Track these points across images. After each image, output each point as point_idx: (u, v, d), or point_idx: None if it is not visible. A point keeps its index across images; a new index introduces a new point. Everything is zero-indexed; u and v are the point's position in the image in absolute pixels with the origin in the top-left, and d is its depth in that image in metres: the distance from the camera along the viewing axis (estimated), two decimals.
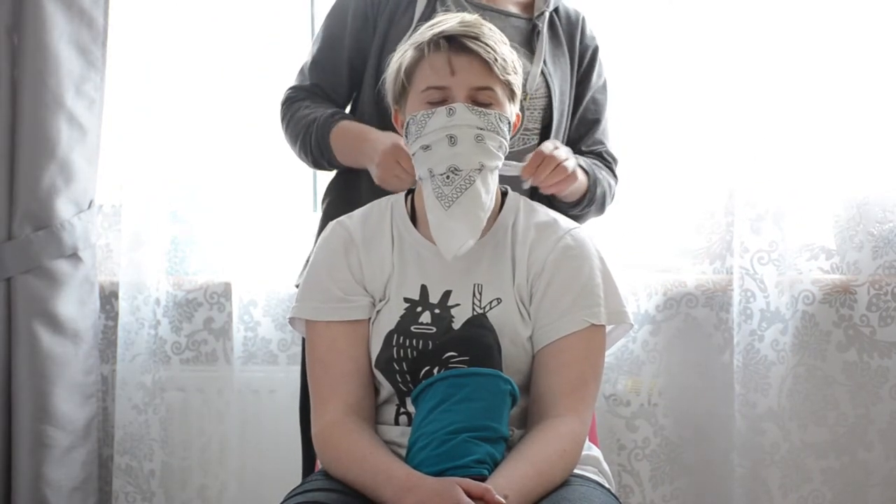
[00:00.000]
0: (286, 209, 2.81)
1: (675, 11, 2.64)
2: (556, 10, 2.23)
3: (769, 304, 2.57)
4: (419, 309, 1.80)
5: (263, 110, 2.73)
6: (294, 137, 2.19)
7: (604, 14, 2.59)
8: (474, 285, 1.81)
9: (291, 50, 2.81)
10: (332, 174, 2.27)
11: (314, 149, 2.15)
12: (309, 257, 2.01)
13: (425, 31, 1.82)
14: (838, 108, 2.57)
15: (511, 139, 1.84)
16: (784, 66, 2.56)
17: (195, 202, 2.76)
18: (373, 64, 2.14)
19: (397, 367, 1.78)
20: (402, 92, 1.83)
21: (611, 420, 2.65)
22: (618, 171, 2.31)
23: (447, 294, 1.81)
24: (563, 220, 1.88)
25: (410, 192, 1.92)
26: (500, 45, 1.81)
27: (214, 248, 2.77)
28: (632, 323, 1.87)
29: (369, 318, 1.83)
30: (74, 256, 2.69)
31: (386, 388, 1.82)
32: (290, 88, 2.24)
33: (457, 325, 1.78)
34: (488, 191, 1.79)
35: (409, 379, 1.78)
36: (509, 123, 1.82)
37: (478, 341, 1.75)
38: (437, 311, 1.80)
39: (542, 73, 2.16)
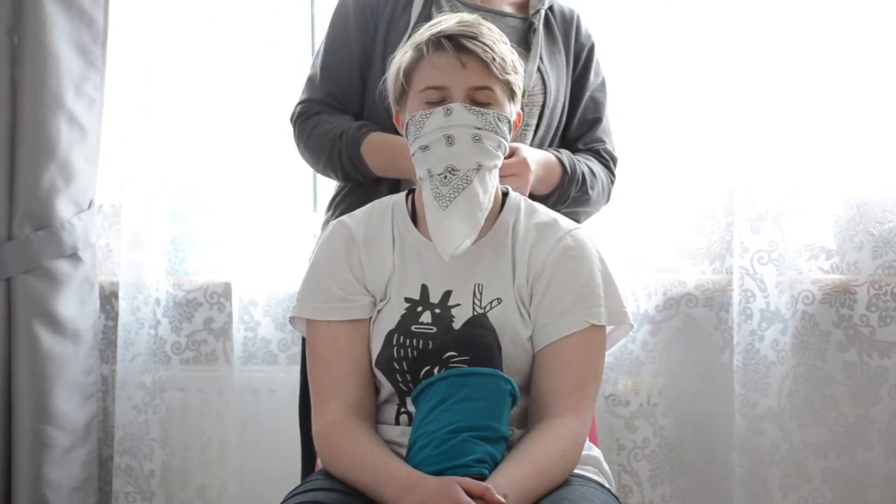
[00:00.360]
0: (286, 209, 2.81)
1: (675, 10, 2.64)
2: (550, 8, 2.23)
3: (769, 304, 2.57)
4: (420, 309, 1.80)
5: (263, 110, 2.74)
6: (318, 153, 2.18)
7: (603, 13, 2.59)
8: (475, 285, 1.81)
9: (291, 50, 2.82)
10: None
11: (346, 163, 2.14)
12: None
13: (424, 32, 1.82)
14: (838, 108, 2.57)
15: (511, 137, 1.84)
16: (784, 66, 2.56)
17: (195, 202, 2.76)
18: (377, 68, 2.15)
19: (398, 367, 1.78)
20: (402, 92, 1.83)
21: (610, 420, 2.65)
22: (617, 170, 2.30)
23: (448, 294, 1.81)
24: (564, 221, 1.88)
25: (411, 191, 1.92)
26: (499, 45, 1.81)
27: (214, 248, 2.77)
28: (632, 324, 1.87)
29: (370, 318, 1.83)
30: (74, 256, 2.69)
31: (386, 388, 1.82)
32: (302, 102, 2.23)
33: (457, 325, 1.78)
34: (486, 191, 1.79)
35: (409, 378, 1.78)
36: (509, 123, 1.82)
37: (478, 341, 1.75)
38: (437, 310, 1.80)
39: (539, 70, 2.16)
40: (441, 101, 1.78)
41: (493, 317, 1.79)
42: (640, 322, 2.64)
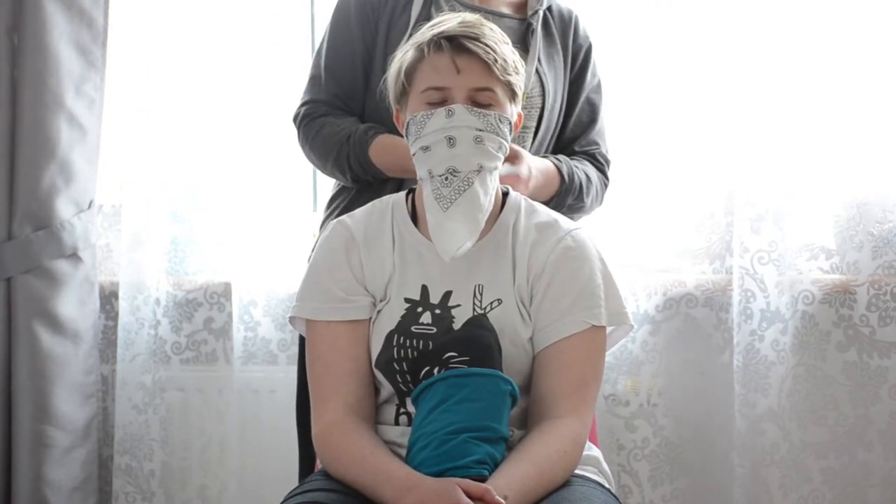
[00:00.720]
0: (286, 209, 2.81)
1: (674, 11, 2.64)
2: (549, 8, 2.23)
3: (769, 304, 2.57)
4: (420, 309, 1.80)
5: (263, 110, 2.74)
6: (325, 155, 2.18)
7: (602, 14, 2.59)
8: (475, 286, 1.81)
9: (291, 50, 2.82)
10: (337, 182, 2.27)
11: (354, 166, 2.14)
12: None
13: (426, 32, 1.81)
14: (838, 108, 2.57)
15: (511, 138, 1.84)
16: (784, 66, 2.56)
17: (195, 202, 2.76)
18: (378, 66, 2.14)
19: (397, 367, 1.78)
20: (403, 92, 1.83)
21: (610, 420, 2.65)
22: (611, 174, 2.30)
23: (448, 294, 1.81)
24: (564, 221, 1.88)
25: (411, 191, 1.92)
26: (501, 46, 1.81)
27: (214, 248, 2.77)
28: (632, 324, 1.87)
29: (370, 318, 1.83)
30: (74, 256, 2.69)
31: (386, 388, 1.82)
32: (306, 103, 2.23)
33: (457, 325, 1.78)
34: (487, 192, 1.79)
35: (409, 379, 1.78)
36: (510, 124, 1.82)
37: (478, 342, 1.75)
38: (437, 311, 1.80)
39: (537, 71, 2.16)
40: (442, 102, 1.78)
41: (494, 317, 1.78)
42: (640, 322, 2.64)
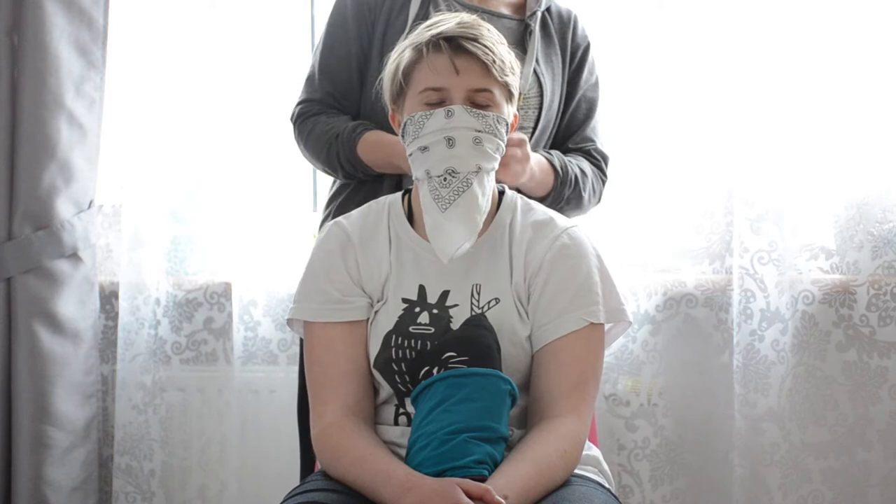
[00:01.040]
0: (286, 209, 2.81)
1: (674, 11, 2.64)
2: (548, 9, 2.23)
3: (769, 304, 2.57)
4: (417, 309, 1.80)
5: (263, 110, 2.74)
6: (317, 153, 2.19)
7: (601, 13, 2.59)
8: (472, 285, 1.81)
9: (291, 50, 2.81)
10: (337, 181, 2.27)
11: (345, 164, 2.15)
12: None
13: (424, 32, 1.81)
14: (838, 108, 2.57)
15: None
16: (784, 66, 2.56)
17: (195, 202, 2.76)
18: (375, 66, 2.15)
19: (396, 368, 1.78)
20: (400, 92, 1.83)
21: (611, 420, 2.65)
22: (608, 170, 2.29)
23: (445, 294, 1.81)
24: (560, 219, 1.88)
25: (407, 191, 1.91)
26: (499, 46, 1.81)
27: (214, 248, 2.77)
28: (630, 321, 1.87)
29: (367, 319, 1.83)
30: (74, 256, 2.69)
31: (385, 389, 1.82)
32: (301, 102, 2.23)
33: (455, 325, 1.78)
34: (484, 193, 1.79)
35: (408, 379, 1.78)
36: (507, 125, 1.82)
37: (477, 341, 1.75)
38: (435, 311, 1.80)
39: (535, 72, 2.16)
40: (440, 103, 1.78)
41: (492, 316, 1.78)
42: (640, 322, 2.64)
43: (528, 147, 2.02)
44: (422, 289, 1.81)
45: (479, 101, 1.78)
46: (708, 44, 2.62)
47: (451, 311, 1.79)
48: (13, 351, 2.66)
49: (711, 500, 2.66)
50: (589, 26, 2.31)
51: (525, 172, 2.02)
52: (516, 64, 1.84)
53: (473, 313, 1.79)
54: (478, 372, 1.71)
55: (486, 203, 1.79)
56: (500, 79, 1.78)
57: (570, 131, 2.26)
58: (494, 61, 1.77)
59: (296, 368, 2.54)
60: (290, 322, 1.89)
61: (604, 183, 2.28)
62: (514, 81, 1.82)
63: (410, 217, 1.87)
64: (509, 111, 1.83)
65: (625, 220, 2.65)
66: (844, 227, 2.59)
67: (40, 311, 2.65)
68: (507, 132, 1.82)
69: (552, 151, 2.19)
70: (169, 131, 2.72)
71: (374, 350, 1.80)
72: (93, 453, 2.75)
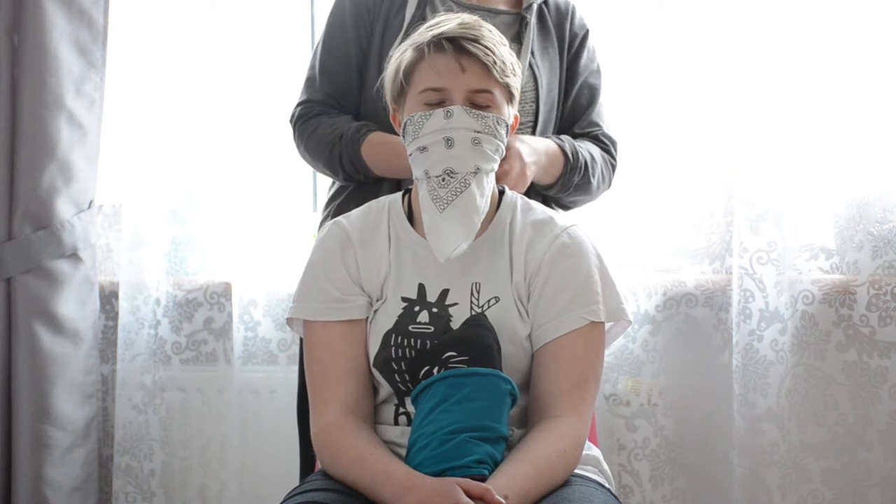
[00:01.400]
0: (286, 209, 2.81)
1: (674, 11, 2.64)
2: (545, 1, 2.23)
3: (768, 304, 2.58)
4: (417, 308, 1.80)
5: (263, 110, 2.74)
6: (317, 155, 2.18)
7: (601, 12, 2.58)
8: (472, 284, 1.81)
9: (291, 50, 2.81)
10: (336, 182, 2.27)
11: (346, 165, 2.14)
12: None
13: (425, 32, 1.81)
14: (838, 108, 2.57)
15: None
16: (784, 66, 2.56)
17: (195, 202, 2.76)
18: (374, 67, 2.15)
19: (396, 367, 1.78)
20: (401, 92, 1.83)
21: (611, 420, 2.65)
22: (618, 153, 2.27)
23: (445, 293, 1.81)
24: (560, 218, 1.88)
25: (407, 191, 1.92)
26: (500, 47, 1.81)
27: (214, 248, 2.77)
28: (630, 320, 1.87)
29: (367, 318, 1.83)
30: (74, 256, 2.69)
31: (385, 388, 1.82)
32: (301, 103, 2.23)
33: (455, 324, 1.78)
34: (483, 193, 1.79)
35: (408, 379, 1.78)
36: (507, 126, 1.82)
37: (477, 341, 1.75)
38: (434, 310, 1.80)
39: (530, 65, 2.16)
40: (440, 103, 1.78)
41: (492, 316, 1.79)
42: (640, 322, 2.64)
43: (526, 156, 2.02)
44: (421, 287, 1.81)
45: (479, 102, 1.78)
46: (708, 44, 2.62)
47: (451, 310, 1.79)
48: (13, 351, 2.66)
49: (711, 500, 2.66)
50: (589, 26, 2.30)
51: (525, 184, 2.03)
52: (517, 64, 1.85)
53: (473, 312, 1.79)
54: (478, 372, 1.72)
55: (484, 203, 1.79)
56: (500, 80, 1.79)
57: (574, 118, 2.25)
58: (495, 62, 1.77)
59: (296, 368, 2.54)
60: (289, 321, 1.89)
61: (614, 168, 2.27)
62: (515, 83, 1.83)
63: (410, 216, 1.87)
64: (510, 112, 1.83)
65: (625, 220, 2.65)
66: (844, 227, 2.59)
67: (40, 311, 2.65)
68: (507, 133, 1.82)
69: (562, 137, 2.18)
70: (169, 131, 2.72)
71: (374, 349, 1.80)
72: (93, 453, 2.75)
